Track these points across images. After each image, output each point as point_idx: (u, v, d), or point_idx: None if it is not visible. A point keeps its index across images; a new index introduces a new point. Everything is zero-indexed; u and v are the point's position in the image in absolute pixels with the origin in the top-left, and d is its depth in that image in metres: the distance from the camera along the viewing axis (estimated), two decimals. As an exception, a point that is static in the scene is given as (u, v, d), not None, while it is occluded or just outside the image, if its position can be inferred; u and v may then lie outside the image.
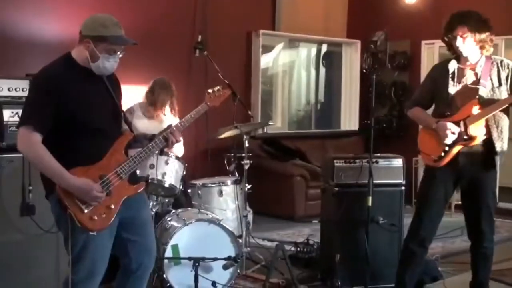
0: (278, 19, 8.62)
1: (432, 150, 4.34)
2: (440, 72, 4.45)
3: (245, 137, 5.14)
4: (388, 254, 4.96)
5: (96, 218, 3.24)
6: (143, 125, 5.42)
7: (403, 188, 5.03)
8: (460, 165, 4.28)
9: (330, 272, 4.93)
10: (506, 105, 4.16)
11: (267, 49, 9.04)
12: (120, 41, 3.34)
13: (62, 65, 3.33)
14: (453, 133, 4.21)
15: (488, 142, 4.23)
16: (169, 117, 5.48)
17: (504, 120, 4.26)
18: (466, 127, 4.17)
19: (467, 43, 4.19)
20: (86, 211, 3.22)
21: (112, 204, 3.30)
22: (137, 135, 3.63)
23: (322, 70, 9.83)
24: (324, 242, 5.26)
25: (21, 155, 4.16)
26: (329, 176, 5.00)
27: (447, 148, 4.25)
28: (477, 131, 4.18)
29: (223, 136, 5.42)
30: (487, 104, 4.16)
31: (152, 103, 5.48)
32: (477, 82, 4.23)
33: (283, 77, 9.50)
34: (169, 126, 3.59)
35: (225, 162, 6.03)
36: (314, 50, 9.73)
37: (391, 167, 5.01)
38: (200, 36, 6.57)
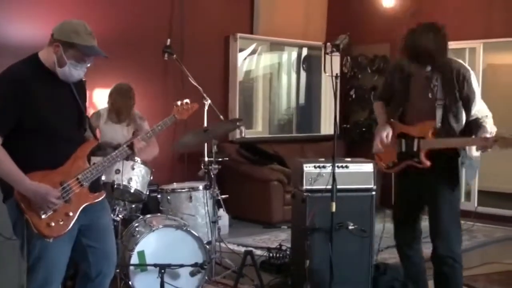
0: (256, 23, 8.59)
1: (384, 158, 4.30)
2: (402, 69, 4.27)
3: (213, 141, 5.05)
4: (358, 260, 4.91)
5: (53, 224, 3.18)
6: (111, 130, 5.38)
7: (373, 193, 4.96)
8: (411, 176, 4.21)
9: (300, 278, 4.87)
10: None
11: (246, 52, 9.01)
12: (90, 51, 3.28)
13: (27, 66, 3.27)
14: (382, 140, 4.15)
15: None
16: (137, 121, 5.43)
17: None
18: (419, 150, 4.05)
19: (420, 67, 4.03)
20: (43, 217, 3.17)
21: (70, 211, 3.25)
22: (101, 142, 3.59)
23: (303, 74, 9.79)
24: (294, 248, 5.21)
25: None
26: (299, 181, 4.94)
27: (395, 160, 4.20)
28: (427, 156, 4.05)
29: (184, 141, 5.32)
30: (444, 134, 4.02)
31: (112, 111, 5.41)
32: (434, 99, 4.06)
33: (264, 81, 9.45)
34: (134, 137, 3.53)
35: (202, 166, 5.98)
36: (294, 54, 9.69)
37: (361, 172, 4.95)
38: (169, 40, 6.52)
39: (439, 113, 4.02)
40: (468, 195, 8.57)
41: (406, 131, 4.17)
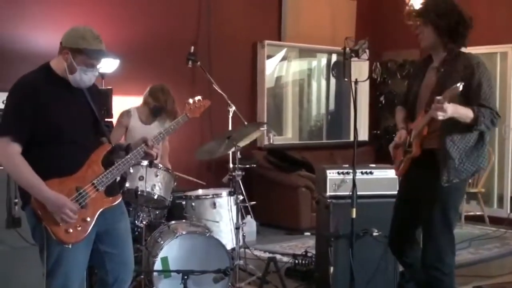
0: (283, 29, 8.57)
1: (396, 159, 4.24)
2: (419, 66, 4.25)
3: (236, 147, 5.04)
4: (383, 267, 4.85)
5: (71, 231, 3.20)
6: (141, 131, 5.43)
7: (399, 199, 4.91)
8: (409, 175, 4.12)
9: (325, 285, 4.84)
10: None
11: (276, 59, 9.01)
12: (98, 55, 3.31)
13: (40, 74, 3.31)
14: (397, 145, 4.09)
15: (434, 152, 3.93)
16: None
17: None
18: (412, 138, 3.96)
19: (424, 33, 3.93)
20: (61, 224, 3.18)
21: (88, 217, 3.26)
22: (114, 146, 3.59)
23: (333, 81, 9.75)
24: (319, 254, 5.18)
25: (7, 167, 4.18)
26: (323, 187, 4.92)
27: (402, 158, 4.11)
28: (418, 143, 3.94)
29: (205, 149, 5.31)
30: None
31: (149, 111, 5.44)
32: (434, 83, 3.96)
33: (293, 87, 9.44)
34: (143, 138, 3.52)
35: (228, 173, 6.00)
36: (324, 60, 9.66)
37: (386, 178, 4.91)
38: (192, 47, 6.55)
39: (431, 98, 3.80)
40: (500, 201, 8.44)
41: (411, 127, 4.09)
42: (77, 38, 3.26)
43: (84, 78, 3.30)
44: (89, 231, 3.27)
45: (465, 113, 3.74)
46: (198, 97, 3.85)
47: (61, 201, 3.16)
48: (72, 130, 3.29)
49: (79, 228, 3.23)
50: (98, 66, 3.35)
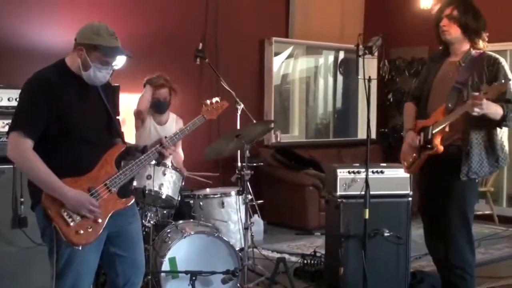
0: (291, 26, 8.50)
1: (406, 157, 4.18)
2: (434, 61, 4.24)
3: (245, 146, 4.97)
4: (394, 268, 4.79)
5: (82, 232, 3.13)
6: (155, 129, 5.58)
7: (410, 199, 4.84)
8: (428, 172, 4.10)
9: (335, 286, 4.78)
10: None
11: (283, 56, 8.95)
12: (113, 52, 3.25)
13: (55, 71, 3.25)
14: (410, 145, 4.05)
15: (456, 149, 3.95)
16: (173, 120, 5.66)
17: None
18: (431, 135, 3.92)
19: (452, 26, 3.97)
20: (72, 224, 3.11)
21: (99, 218, 3.19)
22: (129, 146, 3.52)
23: (340, 78, 9.68)
24: (328, 255, 5.11)
25: (12, 166, 4.13)
26: (333, 187, 4.85)
27: (415, 155, 4.07)
28: (440, 140, 3.93)
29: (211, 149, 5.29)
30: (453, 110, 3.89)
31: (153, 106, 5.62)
32: (454, 80, 3.96)
33: (300, 85, 9.37)
34: (160, 140, 3.47)
35: (237, 172, 5.95)
36: (331, 58, 9.59)
37: (397, 177, 4.83)
38: (201, 44, 6.50)
39: (453, 94, 3.90)
40: (510, 200, 8.43)
41: (425, 124, 4.05)
42: (92, 34, 3.20)
43: (98, 75, 3.24)
44: (100, 232, 3.20)
45: (496, 110, 3.77)
46: (216, 99, 3.78)
47: (83, 197, 3.11)
48: (85, 128, 3.23)
49: (90, 230, 3.16)
50: (113, 64, 3.29)
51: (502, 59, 3.95)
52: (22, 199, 4.27)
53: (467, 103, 3.71)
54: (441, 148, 3.92)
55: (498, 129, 3.92)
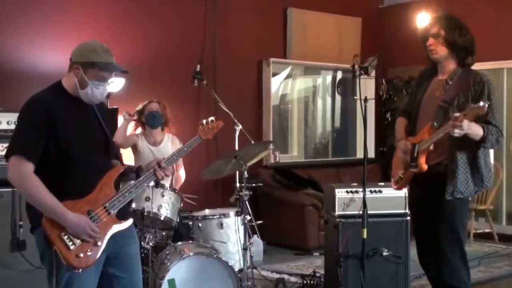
0: (289, 47, 8.54)
1: (394, 173, 4.20)
2: (423, 78, 4.24)
3: (243, 167, 4.98)
4: (394, 287, 4.79)
5: (82, 255, 3.12)
6: (149, 151, 5.62)
7: (408, 218, 4.84)
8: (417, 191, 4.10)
9: (334, 306, 4.78)
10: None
11: (281, 76, 8.99)
12: (110, 68, 3.25)
13: (52, 93, 3.25)
14: (400, 161, 4.05)
15: (444, 168, 3.94)
16: (169, 139, 5.75)
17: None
18: (417, 153, 3.92)
19: (438, 45, 3.98)
20: (72, 248, 3.11)
21: (98, 241, 3.19)
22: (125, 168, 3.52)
23: (338, 98, 9.71)
24: (328, 275, 5.11)
25: (11, 189, 4.14)
26: (331, 206, 4.86)
27: (402, 171, 4.08)
28: (424, 158, 3.93)
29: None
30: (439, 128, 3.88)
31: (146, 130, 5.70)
32: (440, 98, 3.96)
33: (299, 105, 9.40)
34: (157, 160, 3.47)
35: (235, 192, 5.96)
36: (329, 78, 9.63)
37: (394, 197, 4.85)
38: (198, 66, 6.53)
39: (439, 112, 3.90)
40: (509, 218, 8.38)
41: (412, 141, 4.05)
42: (88, 51, 3.22)
43: (95, 92, 3.24)
44: (99, 255, 3.20)
45: (477, 131, 3.77)
46: (211, 118, 3.79)
47: (83, 222, 3.10)
48: (83, 149, 3.23)
49: (90, 253, 3.15)
50: (109, 80, 3.30)
51: (488, 78, 3.95)
52: (21, 222, 4.28)
53: (448, 124, 3.72)
54: (425, 166, 3.91)
55: (482, 149, 3.91)
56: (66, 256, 3.09)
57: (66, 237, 3.10)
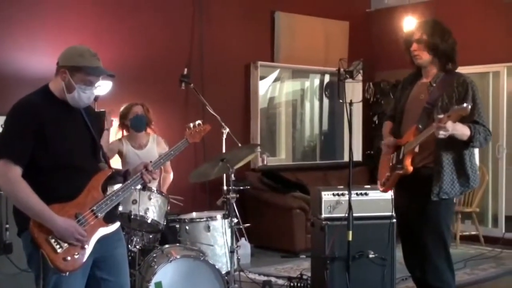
0: (276, 50, 8.57)
1: (381, 175, 4.24)
2: (407, 82, 4.29)
3: (230, 170, 5.00)
4: (379, 289, 4.83)
5: (69, 258, 3.14)
6: (135, 155, 5.56)
7: (393, 220, 4.86)
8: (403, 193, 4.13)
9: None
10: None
11: (270, 80, 9.01)
12: (97, 72, 3.27)
13: (39, 96, 3.27)
14: (386, 163, 4.09)
15: (430, 170, 3.98)
16: (154, 140, 5.70)
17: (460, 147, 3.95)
18: (403, 155, 3.97)
19: (422, 50, 4.03)
20: (59, 251, 3.12)
21: (86, 244, 3.21)
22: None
23: (326, 101, 9.75)
24: (314, 277, 5.14)
25: (-4, 193, 4.13)
26: (318, 209, 4.89)
27: (388, 174, 4.11)
28: (409, 160, 3.97)
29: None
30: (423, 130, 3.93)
31: (136, 120, 5.68)
32: (425, 101, 4.02)
33: (286, 108, 9.42)
34: (145, 163, 3.49)
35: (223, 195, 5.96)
36: (317, 81, 9.66)
37: (381, 199, 4.87)
38: (186, 69, 6.54)
39: (424, 114, 3.96)
40: (495, 221, 8.42)
41: (398, 144, 4.10)
42: (75, 55, 3.24)
43: (82, 96, 3.26)
44: (86, 258, 3.22)
45: (463, 131, 3.82)
46: (198, 122, 3.84)
47: (71, 226, 3.11)
48: (71, 153, 3.25)
49: (77, 256, 3.17)
50: (96, 84, 3.31)
51: (471, 80, 4.02)
52: (7, 226, 4.28)
53: (432, 125, 3.76)
54: (410, 168, 3.96)
55: (469, 149, 3.96)
56: (53, 259, 3.10)
57: (53, 240, 3.12)
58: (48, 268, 3.12)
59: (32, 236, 3.11)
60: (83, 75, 3.23)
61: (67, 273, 3.13)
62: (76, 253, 3.16)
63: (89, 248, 3.21)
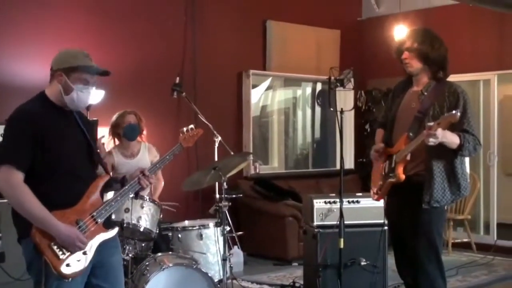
0: (268, 59, 8.60)
1: (374, 183, 4.25)
2: (398, 90, 4.31)
3: (223, 178, 5.02)
4: (372, 296, 4.84)
5: (71, 264, 3.17)
6: (126, 164, 5.55)
7: (385, 228, 4.89)
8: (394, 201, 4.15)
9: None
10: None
11: (262, 88, 9.03)
12: (92, 70, 3.31)
13: (37, 103, 3.29)
14: (376, 151, 4.09)
15: (421, 178, 3.99)
16: (145, 148, 5.71)
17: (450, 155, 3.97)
18: (395, 163, 3.99)
19: (412, 59, 4.04)
20: (62, 257, 3.14)
21: (87, 250, 3.23)
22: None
23: (318, 109, 9.78)
24: (307, 284, 5.15)
25: (-10, 201, 4.12)
26: (310, 217, 4.91)
27: (381, 183, 4.13)
28: (401, 169, 3.99)
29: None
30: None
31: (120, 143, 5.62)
32: (416, 109, 4.04)
33: (279, 116, 9.45)
34: (141, 169, 3.52)
35: (215, 203, 5.96)
36: (309, 89, 9.69)
37: (372, 207, 4.91)
38: (178, 78, 6.56)
39: (415, 123, 3.98)
40: (487, 228, 8.45)
41: (390, 152, 4.12)
42: (68, 57, 3.29)
43: (81, 97, 3.29)
44: (87, 264, 3.24)
45: (452, 139, 3.84)
46: (191, 126, 3.89)
47: (73, 233, 3.14)
48: (70, 159, 3.27)
49: (79, 262, 3.20)
50: (92, 84, 3.33)
51: (462, 89, 4.03)
52: (0, 234, 4.26)
53: (423, 133, 3.77)
54: (402, 176, 3.97)
55: (459, 158, 3.98)
56: (56, 266, 3.13)
57: (55, 247, 3.14)
58: (50, 274, 3.14)
59: (34, 243, 3.12)
60: (79, 74, 3.26)
61: (70, 279, 3.16)
62: (78, 259, 3.19)
63: (90, 254, 3.24)
